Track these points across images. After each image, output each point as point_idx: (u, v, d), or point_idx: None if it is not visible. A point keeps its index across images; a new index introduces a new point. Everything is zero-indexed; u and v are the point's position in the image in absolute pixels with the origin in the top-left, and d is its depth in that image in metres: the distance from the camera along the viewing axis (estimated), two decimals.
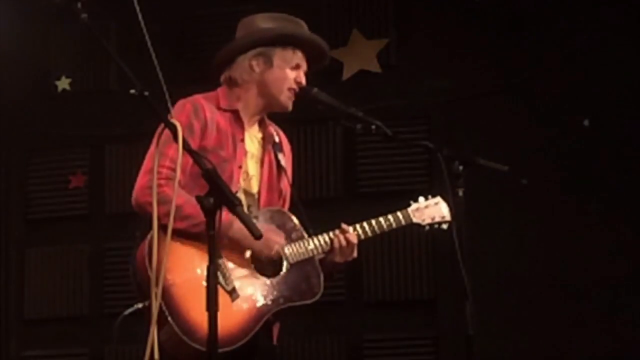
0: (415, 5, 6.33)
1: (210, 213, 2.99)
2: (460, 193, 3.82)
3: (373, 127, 3.97)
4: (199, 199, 3.00)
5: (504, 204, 5.92)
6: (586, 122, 5.93)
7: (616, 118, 5.89)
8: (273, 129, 4.09)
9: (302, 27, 4.05)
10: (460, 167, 3.85)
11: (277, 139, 4.08)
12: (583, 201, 5.86)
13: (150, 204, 3.51)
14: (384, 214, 4.09)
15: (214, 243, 2.98)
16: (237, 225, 3.65)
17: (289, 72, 3.97)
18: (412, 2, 6.35)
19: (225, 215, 3.11)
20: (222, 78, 4.02)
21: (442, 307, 6.04)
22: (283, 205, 4.05)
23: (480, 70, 6.08)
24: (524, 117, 5.99)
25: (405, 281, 6.15)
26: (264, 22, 4.03)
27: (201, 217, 3.03)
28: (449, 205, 4.14)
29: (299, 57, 3.99)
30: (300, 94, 4.01)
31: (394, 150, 6.14)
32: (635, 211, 5.80)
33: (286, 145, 4.14)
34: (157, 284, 3.10)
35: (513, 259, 5.87)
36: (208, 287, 2.97)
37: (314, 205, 5.83)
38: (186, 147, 3.05)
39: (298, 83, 3.98)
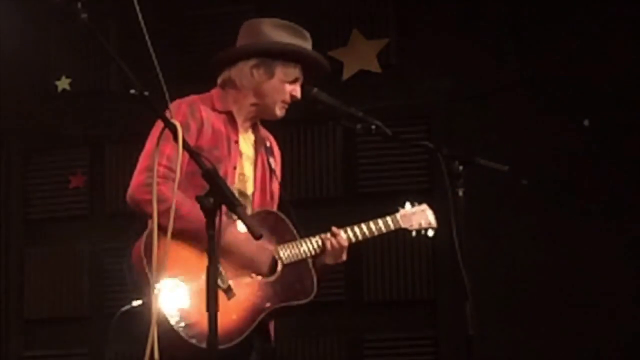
0: (415, 5, 6.33)
1: (210, 213, 2.98)
2: (460, 193, 3.83)
3: (373, 127, 3.99)
4: (199, 199, 3.00)
5: (504, 204, 5.92)
6: (586, 122, 5.93)
7: (616, 118, 5.89)
8: (264, 132, 4.14)
9: (305, 39, 4.07)
10: (460, 167, 3.86)
11: (267, 144, 4.12)
12: (583, 201, 5.86)
13: (147, 201, 3.54)
14: (380, 216, 4.14)
15: (214, 243, 2.98)
16: (229, 232, 3.67)
17: (287, 87, 4.01)
18: (412, 2, 6.35)
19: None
20: (220, 78, 4.04)
21: (442, 307, 6.04)
22: (273, 207, 4.08)
23: (480, 70, 6.08)
24: (524, 117, 5.99)
25: (405, 281, 6.15)
26: (271, 31, 4.04)
27: (199, 216, 3.03)
28: (434, 212, 4.25)
29: (298, 71, 4.03)
30: (300, 94, 4.04)
31: (394, 150, 6.13)
32: (635, 211, 5.80)
33: (276, 150, 4.19)
34: (156, 283, 3.10)
35: (513, 259, 5.87)
36: (208, 288, 2.97)
37: (314, 205, 5.86)
38: (186, 147, 3.05)
39: (293, 97, 4.02)
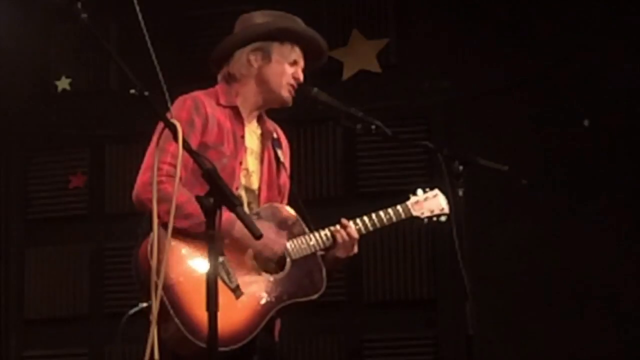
0: (415, 5, 6.33)
1: (210, 213, 2.98)
2: (460, 193, 3.83)
3: (373, 127, 3.98)
4: (199, 199, 3.00)
5: (504, 204, 5.92)
6: (586, 122, 5.94)
7: (616, 118, 5.89)
8: (271, 124, 4.10)
9: (299, 24, 4.06)
10: (460, 167, 3.86)
11: (275, 135, 4.08)
12: (583, 201, 5.86)
13: (152, 200, 3.51)
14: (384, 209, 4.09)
15: (214, 242, 2.98)
16: (240, 224, 3.65)
17: (287, 68, 3.97)
18: (412, 2, 6.35)
19: (228, 214, 3.10)
20: (220, 74, 4.03)
21: (442, 307, 6.04)
22: (281, 202, 4.05)
23: (480, 70, 6.08)
24: (524, 117, 5.99)
25: (405, 281, 6.15)
26: (262, 18, 4.04)
27: (203, 215, 3.02)
28: (447, 197, 4.15)
29: (296, 53, 3.99)
30: (300, 94, 4.02)
31: (394, 150, 6.14)
32: (635, 211, 5.80)
33: (284, 141, 4.14)
34: (158, 284, 3.10)
35: (513, 258, 5.87)
36: (208, 287, 2.96)
37: (314, 205, 5.81)
38: (186, 147, 3.04)
39: (296, 79, 3.98)
